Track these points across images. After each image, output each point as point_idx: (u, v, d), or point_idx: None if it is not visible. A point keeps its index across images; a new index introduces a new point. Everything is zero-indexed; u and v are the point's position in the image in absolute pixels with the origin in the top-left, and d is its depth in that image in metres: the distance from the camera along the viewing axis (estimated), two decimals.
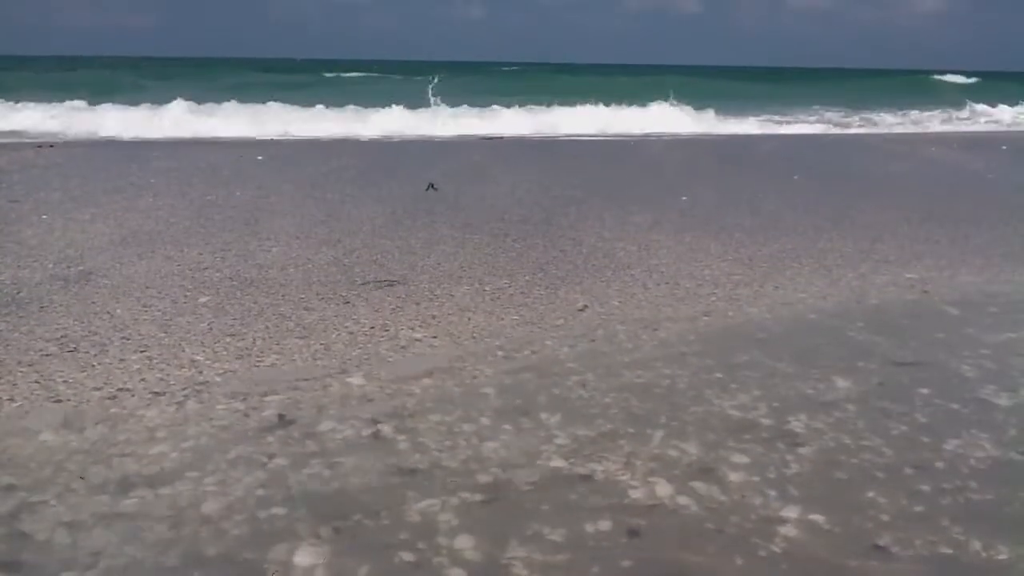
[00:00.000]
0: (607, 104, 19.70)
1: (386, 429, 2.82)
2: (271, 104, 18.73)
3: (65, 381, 3.18)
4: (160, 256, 5.15)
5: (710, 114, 20.28)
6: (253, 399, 3.04)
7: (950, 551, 2.18)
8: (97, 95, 19.09)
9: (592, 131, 17.40)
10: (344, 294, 4.41)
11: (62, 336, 3.66)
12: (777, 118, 22.23)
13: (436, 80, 21.46)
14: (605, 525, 2.27)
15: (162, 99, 17.97)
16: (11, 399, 3.00)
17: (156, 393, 3.08)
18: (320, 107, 18.87)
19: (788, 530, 2.26)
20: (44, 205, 6.82)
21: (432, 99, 20.06)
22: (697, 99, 21.59)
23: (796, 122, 21.47)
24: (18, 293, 4.29)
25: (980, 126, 22.04)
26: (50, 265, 4.89)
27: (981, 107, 25.39)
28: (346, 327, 3.87)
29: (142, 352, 3.50)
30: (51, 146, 11.42)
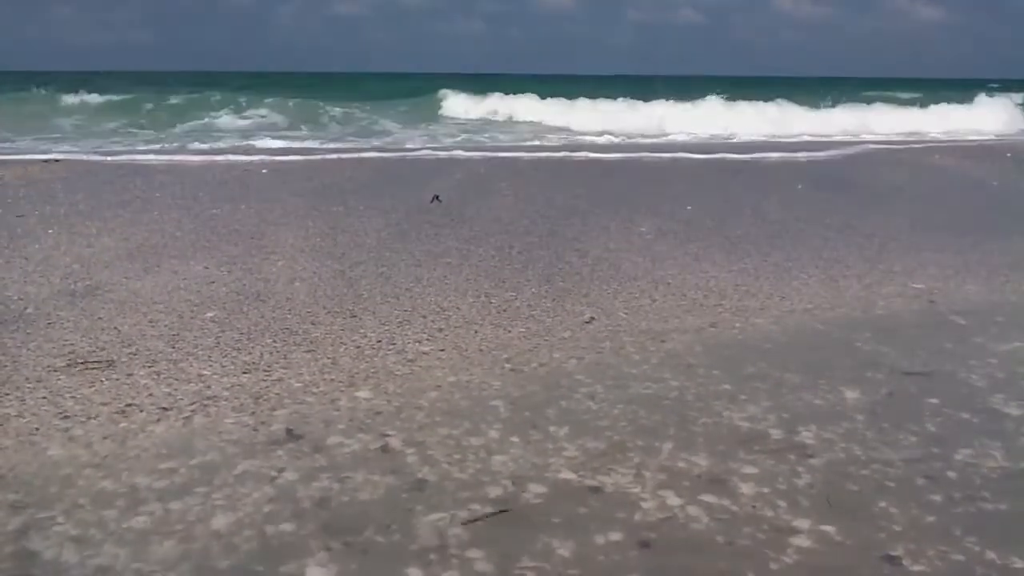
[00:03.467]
0: None
1: (395, 443, 2.81)
2: None
3: (73, 397, 3.17)
4: (166, 270, 5.16)
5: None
6: (261, 413, 3.04)
7: (963, 561, 2.17)
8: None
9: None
10: (350, 307, 4.40)
11: (70, 352, 3.66)
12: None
13: None
14: (616, 537, 2.27)
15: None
16: (19, 415, 3.00)
17: (164, 408, 3.08)
18: None
19: (800, 541, 2.25)
20: (50, 219, 6.83)
21: None
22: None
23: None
24: (25, 309, 4.29)
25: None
26: (57, 280, 4.89)
27: None
28: (353, 341, 3.87)
29: (150, 367, 3.50)
30: (57, 160, 11.44)
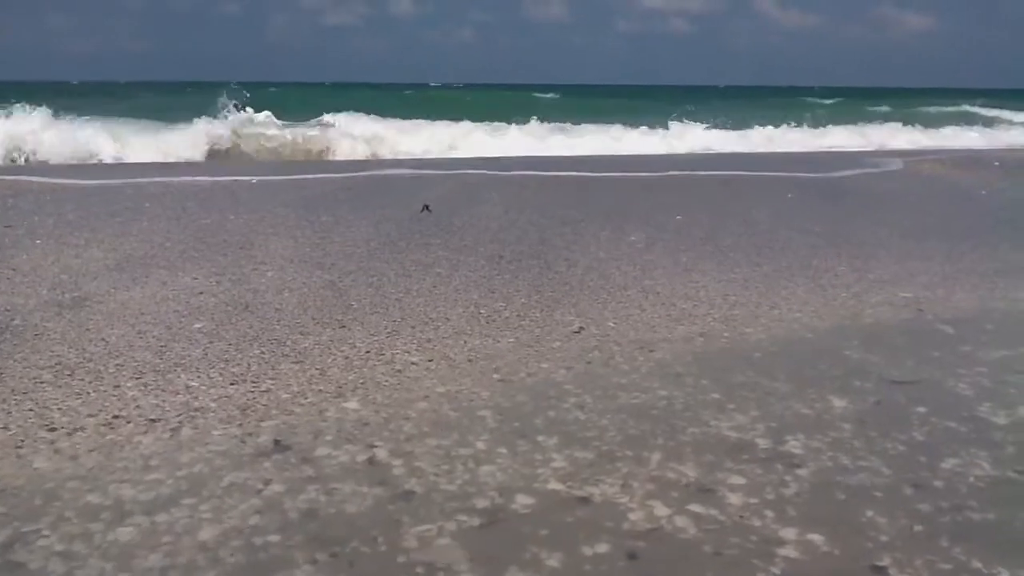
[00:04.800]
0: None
1: (382, 454, 2.81)
2: None
3: (60, 409, 3.16)
4: (155, 281, 5.14)
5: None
6: (248, 425, 3.03)
7: (951, 571, 2.17)
8: None
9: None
10: (340, 318, 4.40)
11: (57, 363, 3.65)
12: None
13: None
14: (603, 548, 2.26)
15: None
16: (5, 427, 2.99)
17: (151, 420, 3.07)
18: None
19: (787, 551, 2.26)
20: (38, 230, 6.81)
21: None
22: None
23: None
24: (12, 320, 4.28)
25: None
26: (44, 291, 4.88)
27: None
28: (341, 351, 3.86)
29: (137, 379, 3.48)
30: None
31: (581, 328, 4.29)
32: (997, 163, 14.48)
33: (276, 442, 2.89)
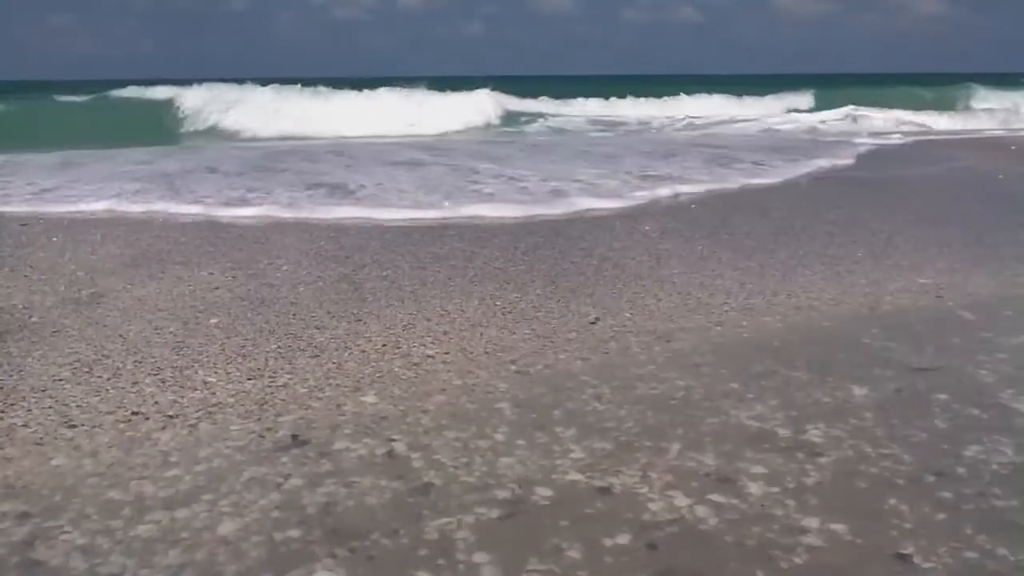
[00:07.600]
0: None
1: (400, 447, 2.80)
2: None
3: (79, 406, 3.17)
4: (171, 277, 5.15)
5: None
6: (267, 420, 3.03)
7: (975, 558, 2.15)
8: None
9: None
10: (355, 311, 4.40)
11: (75, 360, 3.66)
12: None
13: None
14: (624, 539, 2.25)
15: None
16: (25, 424, 3.00)
17: (170, 416, 3.07)
18: None
19: (810, 540, 2.24)
20: (54, 227, 6.84)
21: None
22: None
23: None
24: (30, 318, 4.29)
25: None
26: (61, 288, 4.89)
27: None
28: (358, 345, 3.86)
29: (155, 375, 3.49)
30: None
31: (597, 319, 4.27)
32: (1013, 147, 14.36)
33: (294, 437, 2.89)
